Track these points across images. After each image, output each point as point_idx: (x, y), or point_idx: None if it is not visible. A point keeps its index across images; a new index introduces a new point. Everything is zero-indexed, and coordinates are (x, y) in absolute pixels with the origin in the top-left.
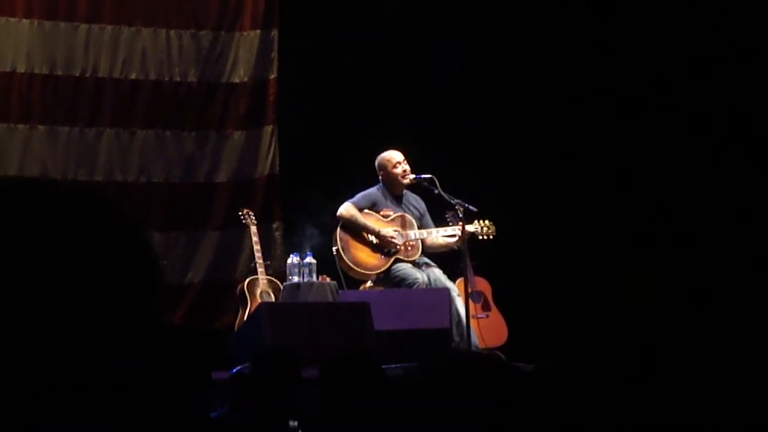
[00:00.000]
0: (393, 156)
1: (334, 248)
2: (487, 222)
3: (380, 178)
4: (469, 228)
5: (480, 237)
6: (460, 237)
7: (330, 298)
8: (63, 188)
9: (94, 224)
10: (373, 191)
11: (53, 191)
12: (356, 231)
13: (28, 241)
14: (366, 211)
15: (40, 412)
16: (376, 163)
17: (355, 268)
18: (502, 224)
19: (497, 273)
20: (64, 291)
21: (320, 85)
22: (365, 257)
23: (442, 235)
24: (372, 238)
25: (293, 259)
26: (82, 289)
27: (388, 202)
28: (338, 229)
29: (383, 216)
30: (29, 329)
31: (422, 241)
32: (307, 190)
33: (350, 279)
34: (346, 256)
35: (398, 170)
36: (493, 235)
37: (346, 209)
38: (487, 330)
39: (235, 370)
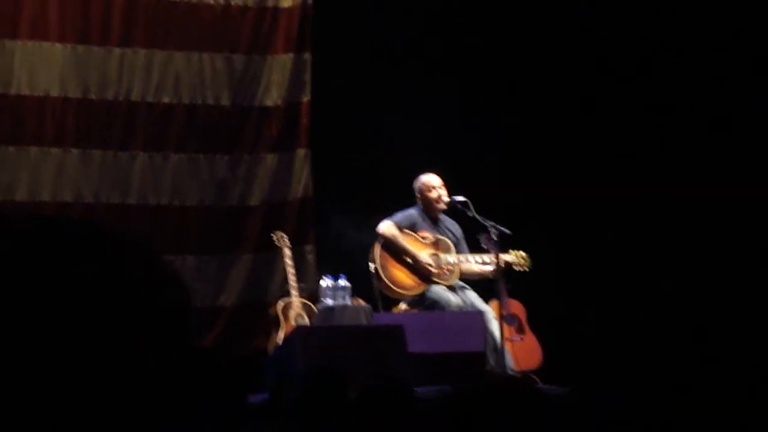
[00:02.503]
0: (430, 180)
1: (372, 266)
2: (523, 253)
3: (417, 200)
4: (506, 257)
5: (515, 268)
6: (496, 267)
7: (364, 321)
8: (71, 223)
9: (112, 255)
10: (412, 212)
11: (67, 227)
12: (395, 251)
13: (56, 277)
14: (405, 231)
15: None
16: (414, 185)
17: (393, 287)
18: (536, 246)
19: (531, 296)
20: (100, 324)
21: (353, 107)
22: (403, 277)
23: (477, 263)
24: (410, 260)
25: (327, 281)
26: (117, 321)
27: (426, 225)
28: (378, 246)
29: (421, 237)
30: (67, 361)
31: (457, 266)
32: (340, 213)
33: (385, 300)
34: (384, 274)
35: (433, 195)
36: (528, 268)
37: (388, 228)
38: (521, 353)
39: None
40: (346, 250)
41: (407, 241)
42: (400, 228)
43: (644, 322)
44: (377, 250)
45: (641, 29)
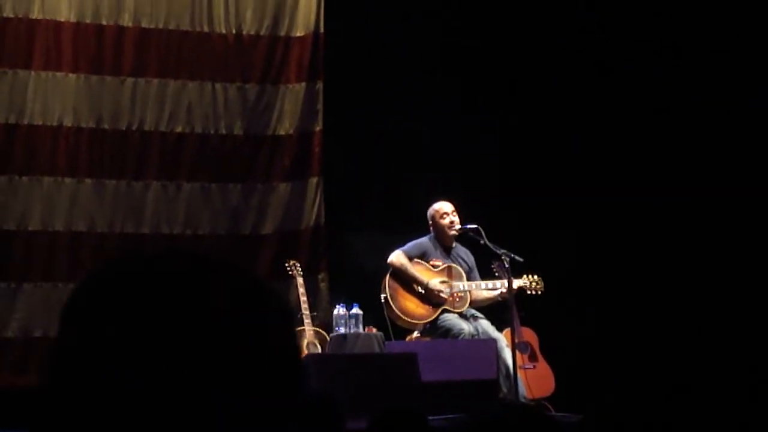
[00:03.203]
0: (442, 207)
1: (382, 296)
2: (535, 277)
3: (430, 228)
4: (518, 282)
5: (528, 292)
6: (507, 288)
7: (377, 349)
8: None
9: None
10: (423, 241)
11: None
12: (405, 280)
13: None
14: (416, 260)
15: None
16: (427, 213)
17: (403, 317)
18: (548, 272)
19: (544, 323)
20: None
21: (365, 136)
22: (413, 307)
23: (488, 288)
24: (420, 288)
25: (339, 310)
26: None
27: (438, 253)
28: (388, 276)
29: (432, 266)
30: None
31: (469, 293)
32: (352, 241)
33: (397, 328)
34: (394, 304)
35: (445, 221)
36: (541, 291)
37: (397, 257)
38: (534, 381)
39: None
40: (359, 279)
41: (417, 270)
42: (410, 257)
43: (657, 349)
44: (387, 279)
45: (639, 29)
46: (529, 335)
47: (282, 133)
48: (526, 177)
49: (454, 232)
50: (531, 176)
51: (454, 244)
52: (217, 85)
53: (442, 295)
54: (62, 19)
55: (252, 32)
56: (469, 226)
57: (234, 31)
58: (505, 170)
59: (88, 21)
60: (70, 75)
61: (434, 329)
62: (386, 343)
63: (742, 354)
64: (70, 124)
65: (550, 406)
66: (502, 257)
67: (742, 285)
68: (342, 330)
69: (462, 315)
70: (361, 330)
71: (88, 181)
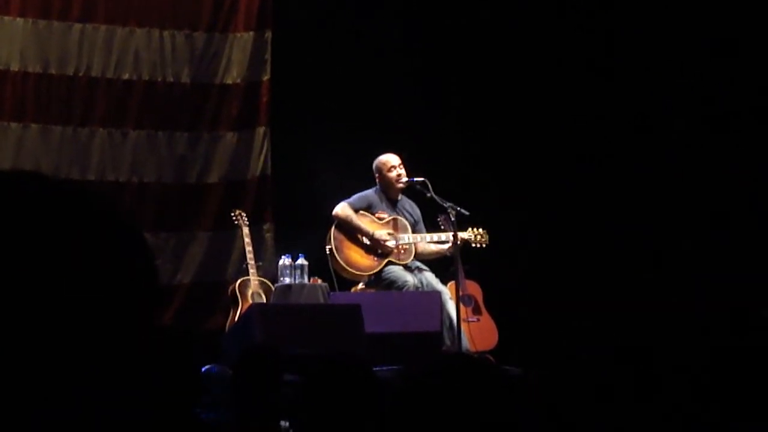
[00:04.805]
0: (389, 159)
1: (327, 247)
2: (480, 230)
3: (376, 180)
4: (463, 235)
5: (473, 245)
6: (452, 244)
7: (321, 300)
8: (65, 184)
9: (96, 221)
10: (369, 193)
11: (57, 187)
12: (350, 231)
13: (30, 235)
14: (361, 212)
15: (42, 418)
16: (374, 165)
17: (348, 268)
18: (493, 227)
19: (488, 277)
20: (66, 290)
21: (313, 87)
22: (358, 258)
23: (434, 242)
24: (365, 239)
25: (285, 260)
26: (83, 288)
27: (384, 205)
28: (333, 228)
29: (378, 218)
30: (27, 329)
31: (414, 246)
32: (299, 191)
33: (342, 280)
34: (339, 256)
35: (392, 174)
36: (486, 244)
37: (342, 209)
38: (477, 334)
39: (204, 369)
40: (305, 230)
41: (363, 222)
42: (356, 209)
43: (601, 304)
44: (332, 231)
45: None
46: (473, 288)
47: (230, 82)
48: (472, 130)
49: (401, 185)
50: (477, 129)
51: (399, 197)
52: (165, 33)
53: (387, 244)
54: None
55: None
56: (416, 179)
57: None
58: (452, 123)
59: None
60: (18, 19)
61: (379, 281)
62: (331, 294)
63: (688, 314)
64: (16, 69)
65: (492, 359)
66: (448, 210)
67: (685, 245)
68: (287, 280)
69: (407, 267)
70: (306, 281)
71: (35, 126)
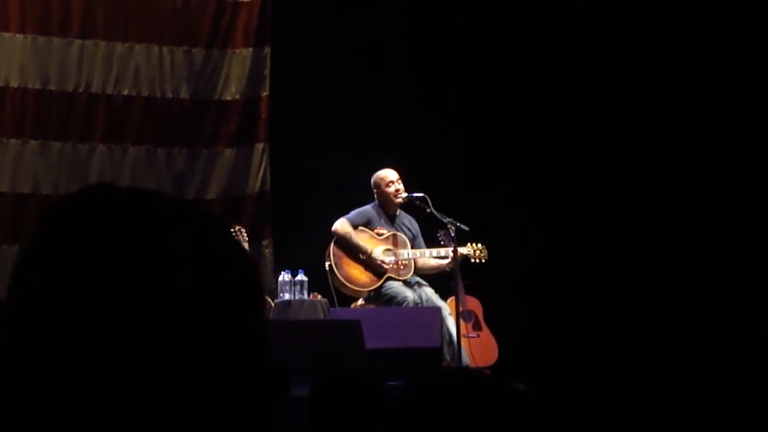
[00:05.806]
0: (387, 175)
1: (326, 264)
2: (479, 245)
3: (375, 195)
4: (462, 250)
5: (473, 260)
6: (452, 259)
7: (321, 316)
8: (192, 206)
9: (224, 248)
10: (368, 209)
11: (187, 210)
12: (349, 248)
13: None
14: (360, 228)
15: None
16: (372, 181)
17: (348, 284)
18: (494, 243)
19: (488, 292)
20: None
21: (312, 103)
22: (358, 274)
23: (434, 257)
24: (363, 256)
25: (284, 276)
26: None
27: (382, 221)
28: (332, 244)
29: (377, 234)
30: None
31: (414, 261)
32: (298, 207)
33: (342, 296)
34: (338, 272)
35: (391, 189)
36: (485, 259)
37: (341, 225)
38: (477, 349)
39: None
40: (304, 246)
41: (361, 239)
42: (355, 225)
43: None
44: (331, 247)
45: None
46: (473, 304)
47: (228, 98)
48: (472, 146)
49: (400, 200)
50: (477, 144)
51: (398, 212)
52: (164, 49)
53: (384, 265)
54: None
55: None
56: (415, 195)
57: None
58: (452, 138)
59: None
60: (18, 35)
61: (378, 297)
62: (330, 309)
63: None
64: (16, 85)
65: (490, 374)
66: (448, 226)
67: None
68: (287, 296)
69: (406, 283)
70: (305, 296)
71: (34, 142)
